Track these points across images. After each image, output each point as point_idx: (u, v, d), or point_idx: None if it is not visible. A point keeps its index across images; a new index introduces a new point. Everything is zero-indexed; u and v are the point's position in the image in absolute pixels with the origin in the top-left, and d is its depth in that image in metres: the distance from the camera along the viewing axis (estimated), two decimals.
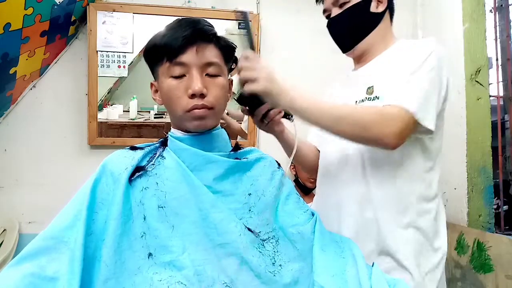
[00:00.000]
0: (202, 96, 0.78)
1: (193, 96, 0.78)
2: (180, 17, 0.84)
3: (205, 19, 0.85)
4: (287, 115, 1.03)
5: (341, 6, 1.08)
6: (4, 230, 1.82)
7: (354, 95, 1.08)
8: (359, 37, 1.09)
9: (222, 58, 0.83)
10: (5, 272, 0.69)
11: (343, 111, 0.93)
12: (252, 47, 0.92)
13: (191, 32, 0.78)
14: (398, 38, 1.13)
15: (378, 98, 1.01)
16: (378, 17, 1.08)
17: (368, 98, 1.03)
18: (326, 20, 1.14)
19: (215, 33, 0.83)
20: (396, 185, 1.01)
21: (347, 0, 1.06)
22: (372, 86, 1.03)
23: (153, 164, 0.82)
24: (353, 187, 1.05)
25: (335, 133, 0.93)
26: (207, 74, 0.80)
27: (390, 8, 1.11)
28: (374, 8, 1.07)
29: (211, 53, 0.81)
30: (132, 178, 0.79)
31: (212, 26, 0.84)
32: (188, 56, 0.78)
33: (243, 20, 0.93)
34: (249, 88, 0.87)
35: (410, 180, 1.01)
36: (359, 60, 1.15)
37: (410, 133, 0.94)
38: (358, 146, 1.03)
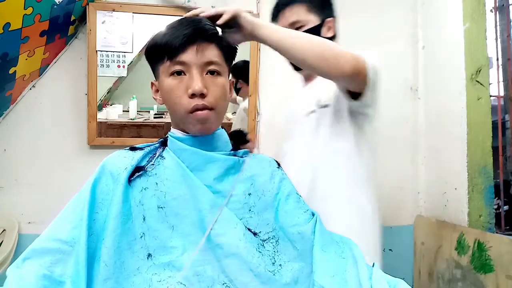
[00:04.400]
0: (202, 96, 0.77)
1: (193, 95, 0.77)
2: (181, 16, 0.84)
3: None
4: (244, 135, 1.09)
5: (297, 29, 1.14)
6: (4, 230, 1.81)
7: (305, 107, 1.20)
8: None
9: (223, 58, 0.82)
10: (16, 273, 0.69)
11: (313, 37, 0.95)
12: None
13: (192, 31, 0.78)
14: None
15: (328, 106, 1.13)
16: None
17: (319, 106, 1.15)
18: None
19: (216, 33, 0.82)
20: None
21: (303, 24, 1.16)
22: (320, 99, 1.16)
23: (152, 164, 0.82)
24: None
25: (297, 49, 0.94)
26: (207, 74, 0.80)
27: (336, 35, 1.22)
28: (325, 32, 1.18)
29: (212, 53, 0.80)
30: (132, 178, 0.79)
31: (213, 25, 0.83)
32: (189, 55, 0.78)
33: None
34: (221, 20, 0.86)
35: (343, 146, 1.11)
36: (308, 78, 1.26)
37: (361, 76, 0.98)
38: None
